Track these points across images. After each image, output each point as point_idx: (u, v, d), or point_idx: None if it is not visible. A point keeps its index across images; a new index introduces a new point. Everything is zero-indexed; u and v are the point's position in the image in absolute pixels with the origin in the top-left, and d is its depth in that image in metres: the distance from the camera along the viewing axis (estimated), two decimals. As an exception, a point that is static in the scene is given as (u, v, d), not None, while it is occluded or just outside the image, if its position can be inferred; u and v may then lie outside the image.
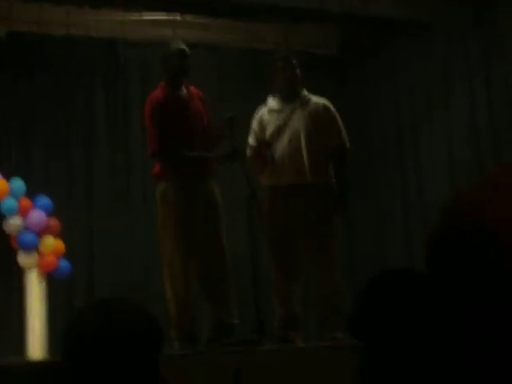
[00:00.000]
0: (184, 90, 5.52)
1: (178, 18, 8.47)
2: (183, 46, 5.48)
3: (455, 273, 0.84)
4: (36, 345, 7.14)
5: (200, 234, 5.32)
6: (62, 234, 7.55)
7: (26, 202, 7.40)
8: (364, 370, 1.73)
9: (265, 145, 5.66)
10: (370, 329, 1.78)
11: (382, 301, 1.78)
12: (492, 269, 0.80)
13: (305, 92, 5.85)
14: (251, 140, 5.79)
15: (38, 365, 4.96)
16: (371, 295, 1.82)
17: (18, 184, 7.43)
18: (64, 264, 7.45)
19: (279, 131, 5.67)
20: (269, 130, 5.70)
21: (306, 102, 5.78)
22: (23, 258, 7.32)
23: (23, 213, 7.34)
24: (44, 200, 7.50)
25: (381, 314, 1.76)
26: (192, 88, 5.61)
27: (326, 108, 5.81)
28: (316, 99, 5.84)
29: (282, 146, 5.64)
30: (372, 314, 1.79)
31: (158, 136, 5.34)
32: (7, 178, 7.43)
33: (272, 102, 5.82)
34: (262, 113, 5.81)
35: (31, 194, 7.51)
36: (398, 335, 1.69)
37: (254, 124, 5.82)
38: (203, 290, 5.40)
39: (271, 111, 5.77)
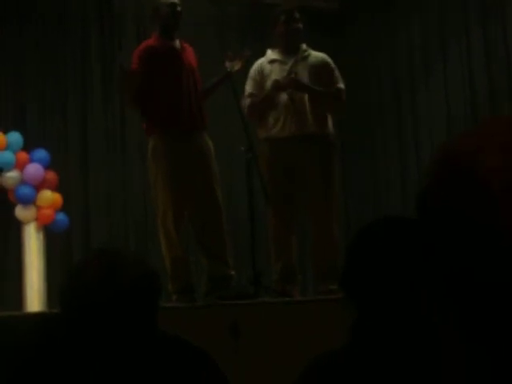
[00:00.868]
0: (177, 43, 5.47)
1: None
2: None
3: (446, 225, 0.83)
4: (34, 298, 7.17)
5: (192, 189, 5.30)
6: (59, 188, 7.55)
7: (23, 155, 7.39)
8: (355, 325, 1.73)
9: (268, 96, 5.63)
10: (360, 284, 1.78)
11: (371, 254, 1.77)
12: (485, 218, 0.79)
13: (304, 46, 5.84)
14: (250, 88, 5.76)
15: (36, 317, 4.99)
16: (360, 249, 1.82)
17: (15, 138, 7.42)
18: (61, 217, 7.46)
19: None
20: (270, 81, 5.68)
21: (306, 56, 5.78)
22: (21, 212, 7.33)
23: (20, 166, 7.34)
24: (41, 153, 7.49)
25: (369, 270, 1.75)
26: (184, 43, 5.55)
27: (326, 62, 5.82)
28: (316, 53, 5.85)
29: (284, 97, 5.62)
30: (360, 270, 1.79)
31: (144, 78, 5.18)
32: (4, 131, 7.41)
33: (272, 54, 5.81)
34: (262, 63, 5.79)
35: (28, 147, 7.49)
36: (386, 289, 1.69)
37: (253, 73, 5.78)
38: (198, 243, 5.42)
39: (272, 62, 5.76)
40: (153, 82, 5.24)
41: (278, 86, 5.57)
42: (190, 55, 5.56)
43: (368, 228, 1.84)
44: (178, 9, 5.42)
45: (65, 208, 7.56)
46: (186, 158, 5.26)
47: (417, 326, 1.36)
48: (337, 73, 5.82)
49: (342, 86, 5.80)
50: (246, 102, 5.71)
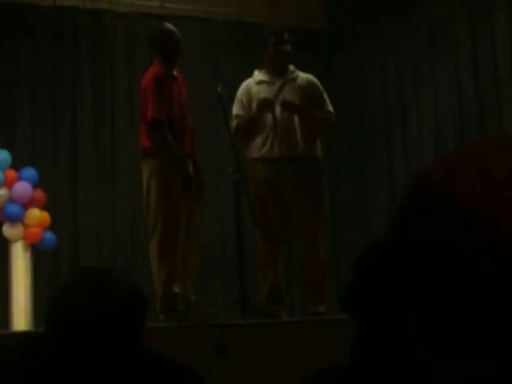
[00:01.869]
0: (175, 72, 5.63)
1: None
2: (171, 27, 5.60)
3: (423, 253, 0.83)
4: (20, 317, 7.13)
5: (183, 212, 5.38)
6: (47, 206, 7.54)
7: (11, 173, 7.37)
8: (357, 344, 1.73)
9: (255, 116, 5.67)
10: (365, 304, 1.79)
11: (375, 275, 1.78)
12: (464, 244, 0.80)
13: (292, 67, 5.87)
14: (237, 109, 5.78)
15: (22, 336, 4.96)
16: (364, 270, 1.82)
17: (4, 155, 7.40)
18: (49, 236, 7.44)
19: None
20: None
21: (294, 77, 5.81)
22: (8, 230, 7.31)
23: (8, 184, 7.32)
24: (30, 172, 7.48)
25: (374, 289, 1.76)
26: (177, 71, 5.69)
27: (314, 84, 5.86)
28: (304, 75, 5.88)
29: (273, 117, 5.64)
30: (366, 289, 1.80)
31: (162, 106, 5.39)
32: (-7, 149, 7.40)
33: (260, 75, 5.83)
34: (249, 84, 5.82)
35: (17, 165, 7.48)
36: (389, 309, 1.70)
37: (240, 95, 5.81)
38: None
39: (260, 83, 5.78)
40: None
41: (265, 104, 5.59)
42: (183, 83, 5.72)
43: (375, 246, 1.85)
44: (177, 34, 5.58)
45: (53, 227, 7.53)
46: (183, 183, 5.35)
47: (408, 347, 1.37)
48: (325, 95, 5.86)
49: (330, 108, 5.83)
50: (233, 123, 5.74)
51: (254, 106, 5.69)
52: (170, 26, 5.66)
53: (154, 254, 5.36)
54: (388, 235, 0.87)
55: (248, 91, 5.79)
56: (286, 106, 5.62)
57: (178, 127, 5.46)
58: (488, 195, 0.79)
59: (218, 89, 5.67)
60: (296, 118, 5.65)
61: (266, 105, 5.61)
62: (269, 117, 5.64)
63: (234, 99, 5.85)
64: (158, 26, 5.72)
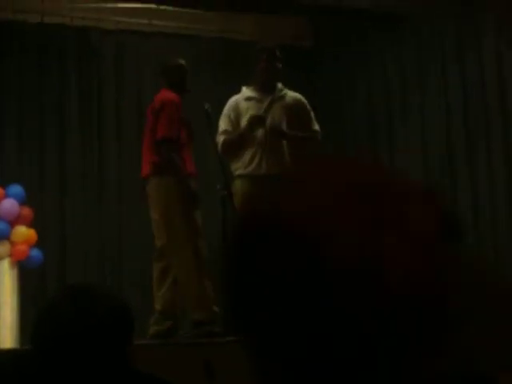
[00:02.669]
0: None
1: (154, 6, 8.44)
2: (182, 61, 5.98)
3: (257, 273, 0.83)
4: (7, 334, 7.09)
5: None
6: (34, 223, 7.51)
7: (-3, 190, 7.35)
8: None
9: (244, 133, 5.69)
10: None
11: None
12: (293, 265, 0.80)
13: (280, 85, 5.89)
14: (225, 125, 5.79)
15: (8, 353, 4.94)
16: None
17: (-10, 173, 7.38)
18: (36, 253, 7.41)
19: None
20: (246, 118, 5.71)
21: (283, 95, 5.83)
22: (-5, 247, 7.28)
23: (-5, 202, 7.29)
24: (16, 189, 7.45)
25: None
26: None
27: (301, 103, 5.88)
28: (292, 93, 5.91)
29: (261, 135, 5.65)
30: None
31: (174, 127, 5.65)
32: (-21, 166, 7.38)
33: (248, 92, 5.84)
34: (237, 100, 5.83)
35: (3, 182, 7.45)
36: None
37: (228, 111, 5.82)
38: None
39: (248, 99, 5.79)
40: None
41: (256, 121, 5.61)
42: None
43: None
44: (186, 67, 5.99)
45: (39, 244, 7.51)
46: (189, 200, 5.60)
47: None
48: (312, 114, 5.88)
49: (317, 127, 5.85)
50: (220, 138, 5.74)
51: (243, 122, 5.70)
52: (180, 60, 6.05)
53: (190, 266, 5.43)
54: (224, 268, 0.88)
55: (236, 107, 5.80)
56: (273, 131, 5.65)
57: (183, 151, 5.71)
58: (314, 222, 0.81)
59: (206, 106, 5.75)
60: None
61: (256, 122, 5.63)
62: (257, 134, 5.65)
63: (219, 116, 5.87)
64: (169, 61, 6.09)
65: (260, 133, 5.66)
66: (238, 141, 5.69)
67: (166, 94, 5.84)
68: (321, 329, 0.80)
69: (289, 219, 0.82)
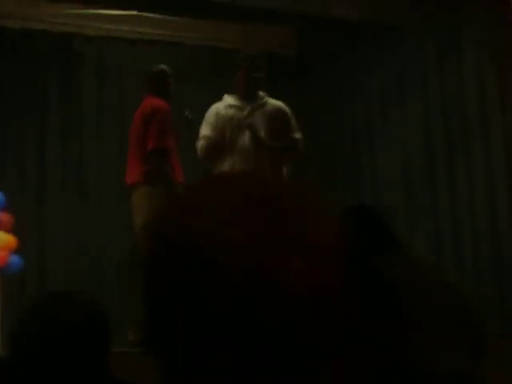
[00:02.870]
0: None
1: (136, 13, 8.43)
2: (165, 67, 6.12)
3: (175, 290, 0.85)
4: (-15, 341, 7.05)
5: None
6: (14, 229, 7.47)
7: (-23, 196, 7.30)
8: None
9: (222, 138, 5.71)
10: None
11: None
12: (194, 278, 0.82)
13: (262, 93, 5.90)
14: (207, 131, 5.79)
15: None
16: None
17: (-29, 178, 7.34)
18: (16, 259, 7.37)
19: (239, 128, 5.70)
20: (227, 126, 5.72)
21: (264, 103, 5.83)
22: (-26, 253, 7.23)
23: (-25, 207, 7.25)
24: (-4, 195, 7.41)
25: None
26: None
27: (283, 111, 5.88)
28: (273, 101, 5.91)
29: (242, 143, 5.66)
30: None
31: (162, 135, 5.74)
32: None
33: (229, 99, 5.85)
34: (218, 107, 5.84)
35: (-17, 189, 7.42)
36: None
37: (210, 117, 5.83)
38: None
39: (229, 107, 5.79)
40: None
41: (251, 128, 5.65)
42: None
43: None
44: (169, 73, 6.13)
45: (19, 250, 7.47)
46: None
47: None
48: (294, 122, 5.88)
49: (298, 135, 5.86)
50: (200, 143, 5.75)
51: (224, 128, 5.71)
52: (161, 66, 6.19)
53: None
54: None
55: (217, 114, 5.81)
56: (256, 141, 5.66)
57: (172, 157, 5.80)
58: (214, 234, 0.82)
59: (186, 113, 5.79)
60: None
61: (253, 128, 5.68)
62: (238, 141, 5.66)
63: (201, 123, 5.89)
64: (152, 68, 6.18)
65: (241, 141, 5.66)
66: (219, 142, 5.71)
67: (156, 102, 5.88)
68: (220, 339, 0.81)
69: (190, 234, 0.84)
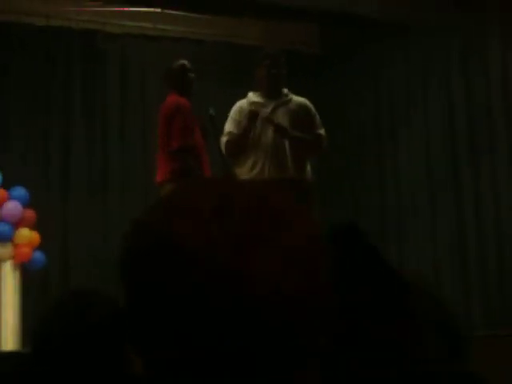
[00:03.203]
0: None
1: (159, 10, 8.45)
2: (185, 62, 6.13)
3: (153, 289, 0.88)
4: (9, 337, 7.09)
5: None
6: (37, 226, 7.51)
7: (1, 192, 7.34)
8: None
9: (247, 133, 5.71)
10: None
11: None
12: (182, 285, 0.85)
13: (286, 91, 5.89)
14: (231, 127, 5.79)
15: (9, 356, 4.93)
16: None
17: (-6, 175, 7.39)
18: (39, 256, 7.41)
19: (262, 124, 5.70)
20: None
21: (288, 101, 5.83)
22: (-2, 249, 7.28)
23: (-1, 204, 7.30)
24: (20, 191, 7.45)
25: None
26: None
27: (307, 107, 5.87)
28: (297, 98, 5.90)
29: (265, 139, 5.65)
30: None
31: (188, 134, 5.78)
32: (-17, 168, 7.38)
33: (253, 97, 5.85)
34: (243, 104, 5.84)
35: (7, 185, 7.46)
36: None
37: (234, 114, 5.83)
38: None
39: (254, 104, 5.79)
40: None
41: (253, 115, 5.64)
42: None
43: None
44: (189, 67, 6.12)
45: (42, 246, 7.51)
46: None
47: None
48: (317, 119, 5.87)
49: (322, 132, 5.84)
50: (224, 139, 5.76)
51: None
52: (181, 61, 6.17)
53: None
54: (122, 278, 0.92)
55: (241, 111, 5.81)
56: (278, 130, 5.64)
57: (200, 153, 5.84)
58: (196, 234, 0.85)
59: (210, 111, 5.80)
60: (287, 141, 5.67)
61: (252, 116, 5.67)
62: (262, 139, 5.66)
63: (224, 120, 5.89)
64: (173, 64, 6.18)
65: (264, 137, 5.66)
66: (241, 139, 5.70)
67: (177, 100, 5.90)
68: (195, 335, 0.84)
69: (170, 234, 0.87)
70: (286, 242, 0.87)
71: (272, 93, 5.81)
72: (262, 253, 0.84)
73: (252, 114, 5.66)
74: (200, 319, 0.84)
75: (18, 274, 7.33)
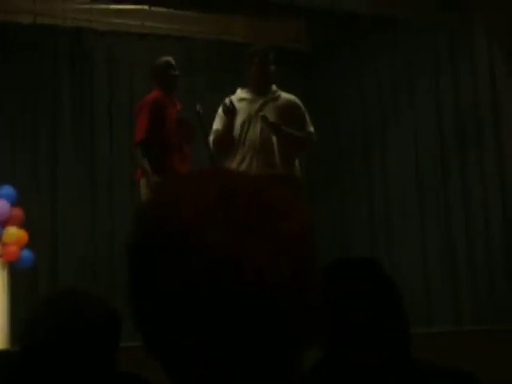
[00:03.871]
0: (174, 98, 6.12)
1: (147, 8, 8.43)
2: (169, 58, 6.14)
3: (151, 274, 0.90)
4: (-3, 335, 7.07)
5: None
6: (25, 224, 7.49)
7: (-11, 191, 7.32)
8: None
9: (231, 131, 5.71)
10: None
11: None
12: (185, 270, 0.86)
13: (274, 87, 5.89)
14: (217, 124, 5.80)
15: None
16: None
17: (-18, 173, 7.36)
18: (27, 254, 7.39)
19: (250, 120, 5.70)
20: (238, 119, 5.71)
21: (276, 97, 5.83)
22: (-15, 248, 7.25)
23: (-14, 202, 7.27)
24: (8, 190, 7.43)
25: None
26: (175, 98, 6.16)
27: (295, 104, 5.88)
28: (286, 95, 5.90)
29: (253, 135, 5.65)
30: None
31: (146, 129, 5.80)
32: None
33: (242, 93, 5.85)
34: (231, 100, 5.83)
35: (-5, 183, 7.44)
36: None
37: (221, 111, 5.83)
38: None
39: (241, 100, 5.79)
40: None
41: (228, 110, 5.65)
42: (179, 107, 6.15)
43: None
44: (174, 64, 6.12)
45: (30, 245, 7.48)
46: None
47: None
48: (307, 115, 5.88)
49: (311, 129, 5.85)
50: (211, 137, 5.76)
51: (236, 121, 5.72)
52: (166, 58, 6.20)
53: None
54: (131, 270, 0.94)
55: None
56: (272, 126, 5.63)
57: (168, 150, 5.83)
58: (188, 222, 0.88)
59: (197, 107, 5.78)
60: (274, 137, 5.67)
61: (228, 110, 5.68)
62: (249, 134, 5.65)
63: (212, 117, 5.88)
64: (157, 60, 6.23)
65: (252, 133, 5.66)
66: (224, 136, 5.70)
67: (154, 95, 5.95)
68: (191, 322, 0.86)
69: (167, 222, 0.89)
70: (281, 230, 0.89)
71: (260, 89, 5.81)
72: (252, 241, 0.86)
73: (226, 109, 5.68)
74: (192, 304, 0.85)
75: (5, 272, 7.31)
